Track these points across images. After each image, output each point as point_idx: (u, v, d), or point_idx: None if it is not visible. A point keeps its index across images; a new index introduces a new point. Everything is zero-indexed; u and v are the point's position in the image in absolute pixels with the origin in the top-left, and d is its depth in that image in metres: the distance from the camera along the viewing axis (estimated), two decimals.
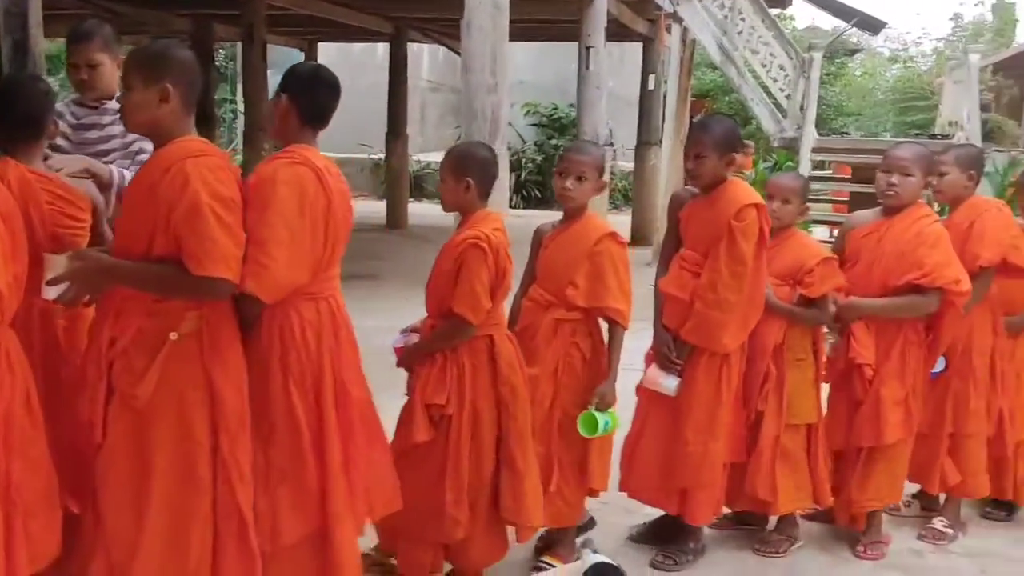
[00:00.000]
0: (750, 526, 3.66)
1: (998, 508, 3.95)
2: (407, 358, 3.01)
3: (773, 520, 3.62)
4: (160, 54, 2.44)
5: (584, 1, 8.19)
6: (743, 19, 9.72)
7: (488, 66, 5.74)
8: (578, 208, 3.16)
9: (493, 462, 2.95)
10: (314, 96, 2.62)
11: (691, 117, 23.33)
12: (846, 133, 17.98)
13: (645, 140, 11.70)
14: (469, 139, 5.86)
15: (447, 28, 11.48)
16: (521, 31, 12.67)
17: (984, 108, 11.66)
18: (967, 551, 3.69)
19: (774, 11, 23.96)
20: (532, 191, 17.88)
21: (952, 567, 3.57)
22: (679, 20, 9.62)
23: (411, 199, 15.25)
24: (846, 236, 3.59)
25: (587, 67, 8.44)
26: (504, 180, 6.10)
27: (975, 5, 32.99)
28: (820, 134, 10.21)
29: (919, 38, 31.91)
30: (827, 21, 28.38)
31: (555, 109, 18.54)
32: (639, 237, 11.24)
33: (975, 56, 9.50)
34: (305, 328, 2.52)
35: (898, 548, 3.66)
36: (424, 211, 13.86)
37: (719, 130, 3.25)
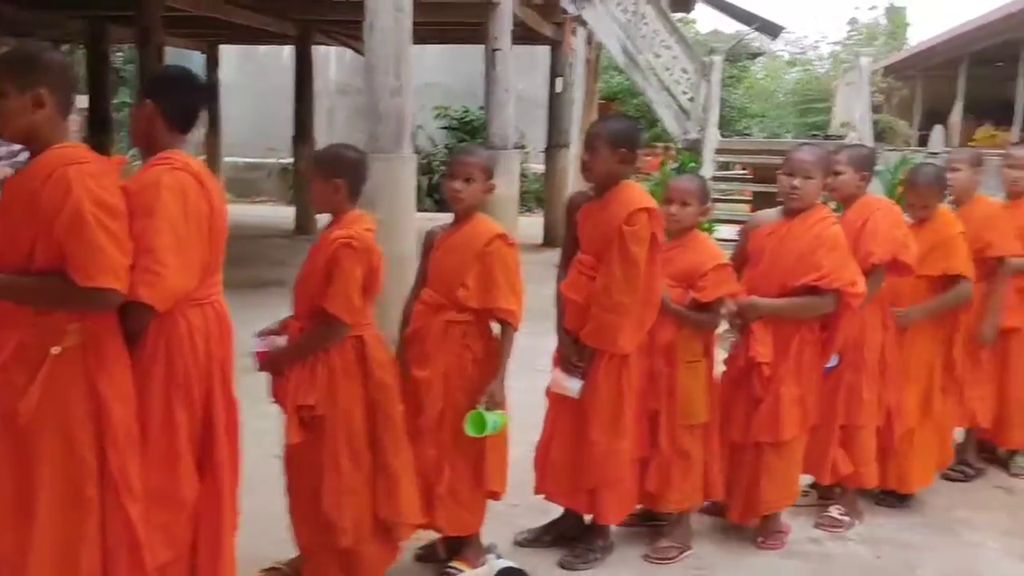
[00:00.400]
0: (657, 523, 3.70)
1: (891, 495, 4.09)
2: (273, 362, 2.92)
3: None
4: (32, 58, 2.35)
5: (489, 4, 8.22)
6: (646, 23, 9.92)
7: (392, 68, 5.70)
8: (467, 210, 3.17)
9: (370, 463, 2.93)
10: (181, 100, 2.57)
11: (634, 122, 23.74)
12: (749, 134, 18.48)
13: (555, 143, 11.81)
14: (375, 142, 5.81)
15: (352, 30, 11.35)
16: (428, 33, 12.63)
17: (875, 109, 12.19)
18: (863, 538, 3.83)
19: (678, 15, 24.54)
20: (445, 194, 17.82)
21: (849, 553, 3.70)
22: (584, 24, 9.76)
23: None
24: (749, 235, 3.67)
25: (494, 70, 8.48)
26: (411, 183, 6.07)
27: (869, 9, 34.33)
28: (723, 135, 10.49)
29: (816, 42, 32.98)
30: (729, 25, 29.15)
31: (466, 112, 18.52)
32: (551, 239, 11.32)
33: (866, 59, 9.89)
34: (194, 335, 2.47)
35: (797, 537, 3.77)
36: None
37: (612, 126, 3.33)
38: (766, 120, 25.27)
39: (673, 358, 3.41)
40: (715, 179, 9.29)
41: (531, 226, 12.13)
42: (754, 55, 28.44)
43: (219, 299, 2.61)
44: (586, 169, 3.37)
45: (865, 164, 3.81)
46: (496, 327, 3.22)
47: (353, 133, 20.09)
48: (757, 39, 29.11)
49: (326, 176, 2.93)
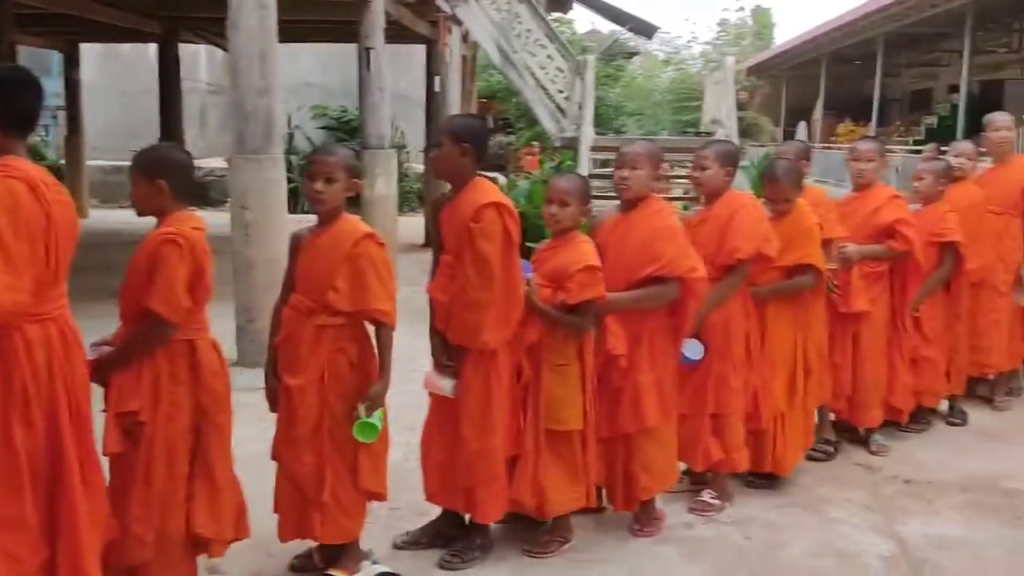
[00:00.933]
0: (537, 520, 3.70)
1: (761, 477, 4.25)
2: (101, 369, 2.76)
3: None
4: None
5: (361, 3, 8.11)
6: (520, 22, 10.00)
7: (257, 67, 5.56)
8: (332, 211, 3.10)
9: (189, 475, 2.82)
10: (13, 100, 2.42)
11: (482, 119, 23.72)
12: (625, 132, 18.86)
13: (434, 142, 11.71)
14: (243, 143, 5.66)
15: (219, 28, 11.00)
16: (300, 32, 12.38)
17: (740, 107, 12.68)
18: (733, 520, 3.96)
19: (555, 15, 24.84)
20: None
21: (720, 536, 3.81)
22: (458, 22, 9.75)
23: (194, 208, 14.52)
24: (594, 232, 3.70)
25: (368, 69, 8.37)
26: (281, 184, 5.93)
27: (737, 11, 35.60)
28: (600, 133, 10.66)
29: (689, 42, 33.95)
30: (606, 26, 29.75)
31: (344, 112, 18.27)
32: (431, 239, 11.28)
33: (731, 59, 10.28)
34: (33, 351, 2.34)
35: (672, 522, 3.87)
36: (208, 219, 13.21)
37: (456, 122, 3.36)
38: (644, 118, 25.91)
39: (538, 359, 3.39)
40: (592, 176, 9.43)
41: (412, 226, 12.05)
42: (630, 55, 29.14)
43: (63, 313, 2.48)
44: (434, 167, 3.38)
45: (730, 160, 3.94)
46: (371, 328, 3.17)
47: (227, 134, 19.50)
48: (633, 39, 29.83)
49: (148, 177, 2.82)
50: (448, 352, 3.33)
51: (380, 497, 3.27)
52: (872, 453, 4.73)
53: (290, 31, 12.46)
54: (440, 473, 3.40)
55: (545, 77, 9.90)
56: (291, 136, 18.09)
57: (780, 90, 26.29)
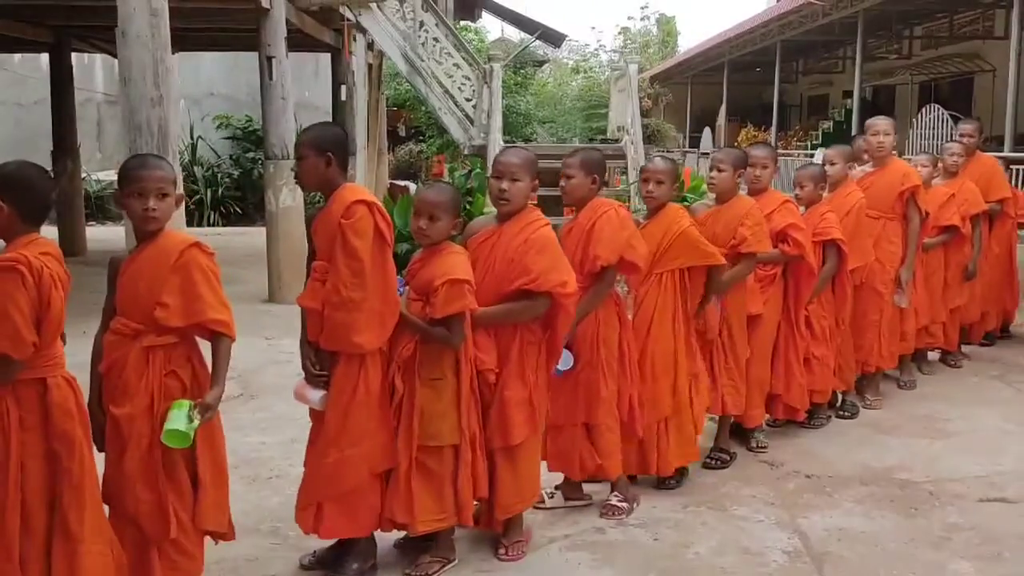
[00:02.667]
0: (425, 540, 3.54)
1: (670, 478, 4.28)
2: None
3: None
4: None
5: (261, 10, 7.96)
6: (426, 31, 9.96)
7: (150, 77, 5.40)
8: (156, 229, 2.90)
9: (46, 526, 2.64)
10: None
11: (393, 127, 23.46)
12: (535, 139, 18.99)
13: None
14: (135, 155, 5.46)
15: (111, 36, 10.65)
16: (202, 41, 12.10)
17: (645, 114, 12.89)
18: (642, 521, 3.99)
19: (464, 22, 24.77)
20: (232, 207, 17.15)
21: (629, 538, 3.84)
22: (363, 31, 9.65)
23: (90, 223, 14.02)
24: (467, 244, 3.58)
25: (270, 78, 8.23)
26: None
27: (641, 20, 36.19)
28: (510, 141, 10.69)
29: (596, 50, 34.27)
30: (515, 34, 29.94)
31: (250, 121, 17.88)
32: None
33: (634, 66, 10.43)
34: None
35: (583, 528, 3.89)
36: (106, 235, 12.77)
37: (316, 132, 3.26)
38: (555, 125, 26.13)
39: (411, 374, 3.29)
40: None
41: None
42: (539, 63, 29.36)
43: None
44: (297, 178, 3.30)
45: (595, 167, 3.87)
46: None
47: (122, 143, 18.97)
48: (541, 47, 30.10)
49: None
50: (321, 362, 3.23)
51: (224, 536, 3.08)
52: (750, 450, 4.83)
53: (190, 40, 12.23)
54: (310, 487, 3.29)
55: (452, 85, 9.88)
56: (194, 147, 17.67)
57: (685, 97, 26.90)
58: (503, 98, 17.51)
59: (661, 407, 4.06)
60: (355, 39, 10.01)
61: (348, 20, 9.56)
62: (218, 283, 2.94)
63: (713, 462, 4.60)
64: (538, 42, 29.08)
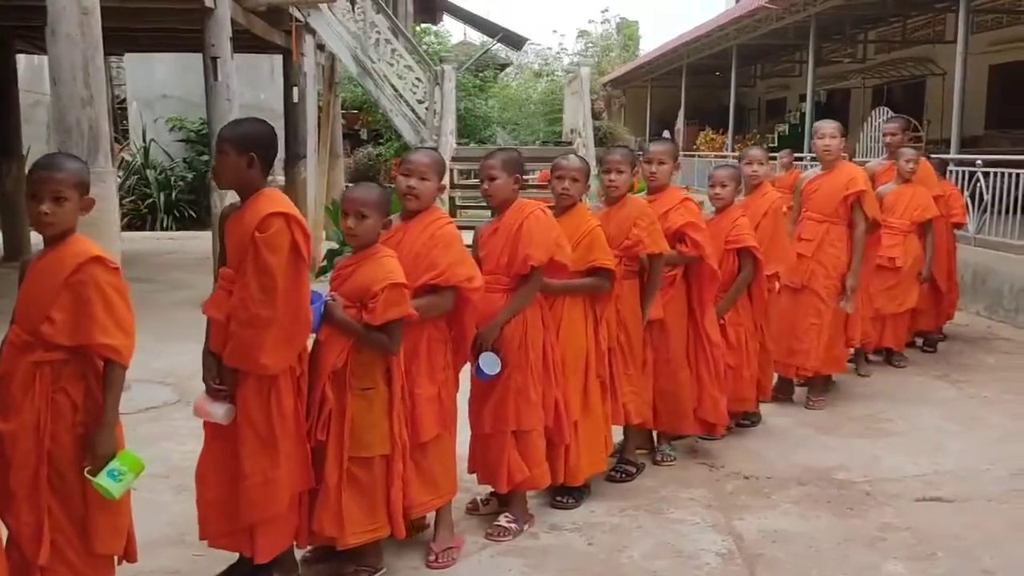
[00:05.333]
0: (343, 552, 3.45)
1: (565, 495, 4.09)
2: None
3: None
4: None
5: (205, 10, 7.83)
6: (378, 32, 9.86)
7: (80, 77, 5.26)
8: (59, 234, 2.72)
9: None
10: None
11: (353, 129, 23.25)
12: (492, 142, 18.90)
13: (293, 153, 11.44)
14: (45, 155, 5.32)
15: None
16: (148, 42, 11.89)
17: (597, 116, 12.87)
18: (577, 526, 3.95)
19: (425, 25, 24.62)
20: (186, 211, 16.91)
21: (564, 544, 3.79)
22: (312, 32, 9.53)
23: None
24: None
25: (215, 78, 8.10)
26: (111, 201, 5.63)
27: (601, 24, 36.35)
28: (463, 143, 10.62)
29: (558, 53, 34.36)
30: (478, 37, 29.93)
31: (204, 124, 17.57)
32: None
33: (585, 69, 10.43)
34: None
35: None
36: None
37: (238, 129, 3.11)
38: (519, 128, 26.13)
39: (343, 384, 3.19)
40: (454, 187, 9.39)
41: None
42: (502, 66, 29.37)
43: None
44: (215, 176, 3.17)
45: (516, 168, 3.80)
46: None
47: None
48: (504, 51, 30.11)
49: None
50: (225, 375, 3.05)
51: (128, 558, 2.92)
52: (656, 463, 4.66)
53: (135, 41, 12.03)
54: (219, 512, 3.13)
55: (404, 87, 9.80)
56: (147, 150, 17.41)
57: (645, 100, 27.03)
58: (461, 101, 17.56)
59: (570, 410, 3.93)
60: (304, 40, 9.90)
61: (297, 21, 9.44)
62: (121, 302, 2.71)
63: (617, 475, 4.42)
64: (499, 45, 29.09)
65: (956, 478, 4.56)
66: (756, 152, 5.43)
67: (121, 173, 16.88)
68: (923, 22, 16.31)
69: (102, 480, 2.68)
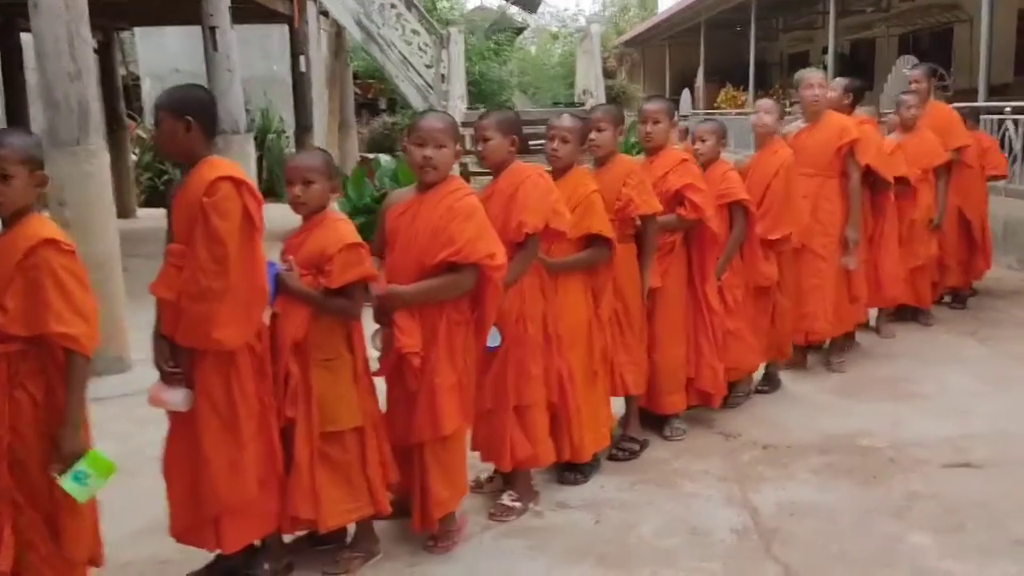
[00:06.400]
0: (326, 544, 3.31)
1: (572, 471, 3.92)
2: None
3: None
4: None
5: None
6: None
7: (66, 51, 5.11)
8: (15, 214, 2.58)
9: None
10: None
11: (368, 98, 22.96)
12: (511, 107, 18.56)
13: (303, 124, 11.25)
14: (55, 134, 5.19)
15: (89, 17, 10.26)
16: (150, 14, 11.72)
17: (610, 75, 12.50)
18: (585, 503, 3.79)
19: None
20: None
21: (570, 522, 3.63)
22: None
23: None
24: (386, 216, 3.35)
25: (215, 49, 7.89)
26: (103, 176, 5.49)
27: None
28: (472, 108, 10.36)
29: (575, 14, 33.81)
30: (495, 1, 29.52)
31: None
32: None
33: (596, 27, 10.12)
34: None
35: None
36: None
37: (174, 94, 2.94)
38: (539, 91, 25.74)
39: (305, 357, 3.02)
40: (465, 152, 9.15)
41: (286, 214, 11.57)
42: (519, 30, 28.94)
43: None
44: (158, 146, 3.01)
45: (513, 128, 3.56)
46: None
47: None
48: (520, 14, 29.68)
49: None
50: (179, 358, 2.87)
51: (93, 562, 2.77)
52: (666, 438, 4.42)
53: (139, 14, 11.86)
54: (186, 505, 2.96)
55: (410, 52, 9.55)
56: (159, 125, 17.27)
57: (664, 59, 26.50)
58: (476, 65, 17.27)
59: (575, 385, 3.74)
60: (305, 7, 9.67)
61: None
62: (77, 288, 2.54)
63: (621, 453, 4.20)
64: (516, 8, 28.64)
65: (986, 442, 4.33)
66: (765, 102, 5.09)
67: (137, 150, 16.80)
68: None
69: (66, 483, 2.54)
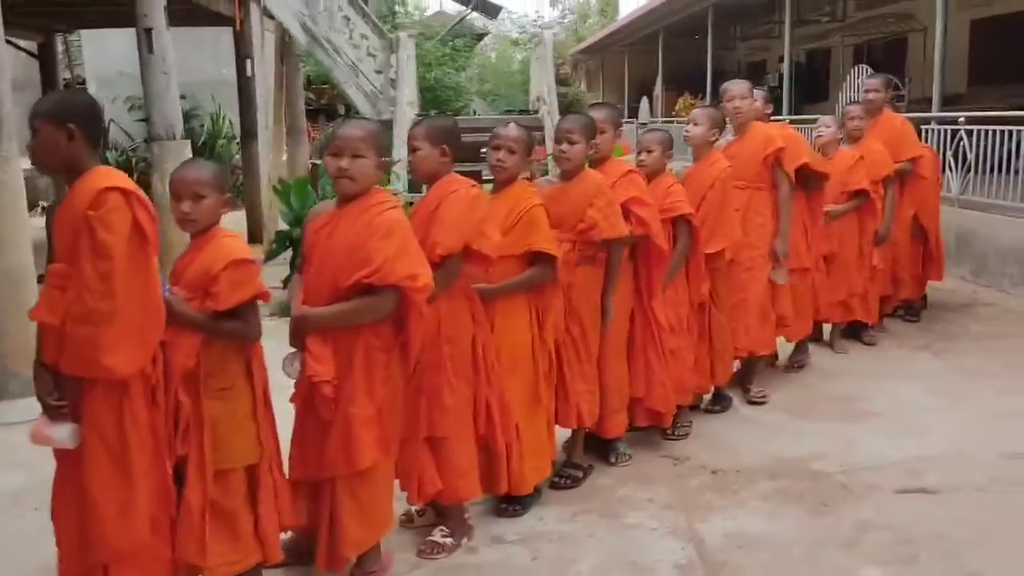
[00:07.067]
0: None
1: (510, 503, 3.70)
2: None
3: None
4: None
5: None
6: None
7: None
8: None
9: None
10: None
11: (323, 104, 22.54)
12: (465, 113, 18.31)
13: (248, 130, 10.89)
14: None
15: (25, 19, 9.76)
16: (88, 17, 11.29)
17: (563, 82, 12.31)
18: (522, 537, 3.55)
19: None
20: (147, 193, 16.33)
21: (505, 559, 3.40)
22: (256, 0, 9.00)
23: None
24: (304, 232, 3.11)
25: (150, 51, 7.55)
26: (16, 184, 5.18)
27: None
28: (421, 115, 10.10)
29: (535, 21, 33.63)
30: (453, 7, 29.29)
31: None
32: (254, 234, 10.52)
33: (548, 33, 9.97)
34: None
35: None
36: None
37: (51, 100, 2.71)
38: (499, 98, 25.50)
39: (196, 387, 2.76)
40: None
41: (233, 222, 11.23)
42: (479, 35, 28.73)
43: None
44: (34, 160, 2.71)
45: (444, 137, 3.32)
46: None
47: (25, 130, 18.04)
48: (481, 20, 29.48)
49: None
50: (63, 389, 2.60)
51: None
52: (612, 464, 4.19)
53: (73, 16, 11.44)
54: (75, 553, 2.69)
55: (358, 57, 9.27)
56: (105, 131, 16.80)
57: (623, 67, 26.46)
58: (431, 71, 16.97)
59: (513, 412, 3.50)
60: (247, 8, 9.36)
61: None
62: None
63: (562, 480, 3.97)
64: (475, 15, 28.43)
65: (941, 464, 4.18)
66: (696, 111, 4.78)
67: None
68: None
69: None
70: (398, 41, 9.18)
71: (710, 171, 4.60)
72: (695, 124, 4.66)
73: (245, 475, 2.84)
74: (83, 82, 19.95)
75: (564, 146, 3.80)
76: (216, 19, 10.38)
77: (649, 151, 4.34)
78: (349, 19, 9.24)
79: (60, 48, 21.44)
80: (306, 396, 2.97)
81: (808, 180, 5.30)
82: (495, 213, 3.48)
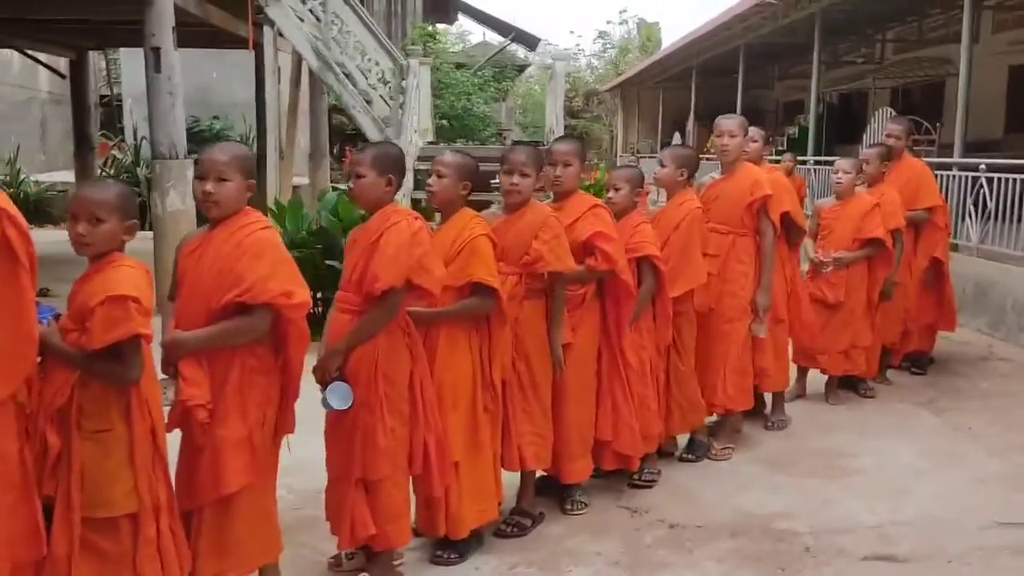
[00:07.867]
0: None
1: (446, 549, 3.51)
2: None
3: None
4: None
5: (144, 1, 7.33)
6: (345, 25, 9.33)
7: None
8: None
9: None
10: None
11: (352, 130, 22.72)
12: (493, 143, 18.26)
13: (260, 153, 10.89)
14: None
15: (53, 35, 9.90)
16: (114, 36, 11.44)
17: (574, 115, 12.14)
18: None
19: (443, 26, 24.12)
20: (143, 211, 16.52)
21: None
22: (270, 23, 9.02)
23: (32, 226, 13.34)
24: (177, 256, 2.99)
25: (156, 71, 7.56)
26: None
27: (620, 24, 35.77)
28: (432, 143, 10.05)
29: (575, 54, 33.77)
30: (497, 38, 29.58)
31: (196, 121, 17.30)
32: None
33: (560, 64, 9.87)
34: None
35: None
36: (46, 238, 12.07)
37: None
38: (540, 129, 25.60)
39: (68, 428, 2.58)
40: (420, 188, 8.83)
41: None
42: (521, 67, 28.88)
43: None
44: None
45: (391, 166, 3.23)
46: None
47: (67, 143, 18.37)
48: (523, 52, 29.66)
49: None
50: None
51: None
52: (566, 512, 3.99)
53: (103, 35, 11.62)
54: None
55: (366, 83, 9.24)
56: (138, 148, 17.06)
57: (658, 102, 26.36)
58: (459, 100, 17.02)
59: (451, 450, 3.34)
60: (262, 31, 9.40)
61: (257, 11, 8.94)
62: None
63: (508, 528, 3.78)
64: (515, 46, 28.60)
65: (914, 531, 3.91)
66: (725, 122, 4.65)
67: (111, 170, 16.56)
68: (941, 21, 15.49)
69: None
70: (408, 68, 9.15)
71: (678, 212, 4.42)
72: (661, 165, 4.52)
73: (129, 524, 2.65)
74: (120, 99, 20.30)
75: (516, 178, 3.65)
76: (238, 42, 10.46)
77: (617, 188, 4.18)
78: (357, 42, 9.23)
79: (102, 65, 21.99)
80: (183, 424, 2.84)
81: (789, 231, 5.08)
82: (440, 243, 3.37)
